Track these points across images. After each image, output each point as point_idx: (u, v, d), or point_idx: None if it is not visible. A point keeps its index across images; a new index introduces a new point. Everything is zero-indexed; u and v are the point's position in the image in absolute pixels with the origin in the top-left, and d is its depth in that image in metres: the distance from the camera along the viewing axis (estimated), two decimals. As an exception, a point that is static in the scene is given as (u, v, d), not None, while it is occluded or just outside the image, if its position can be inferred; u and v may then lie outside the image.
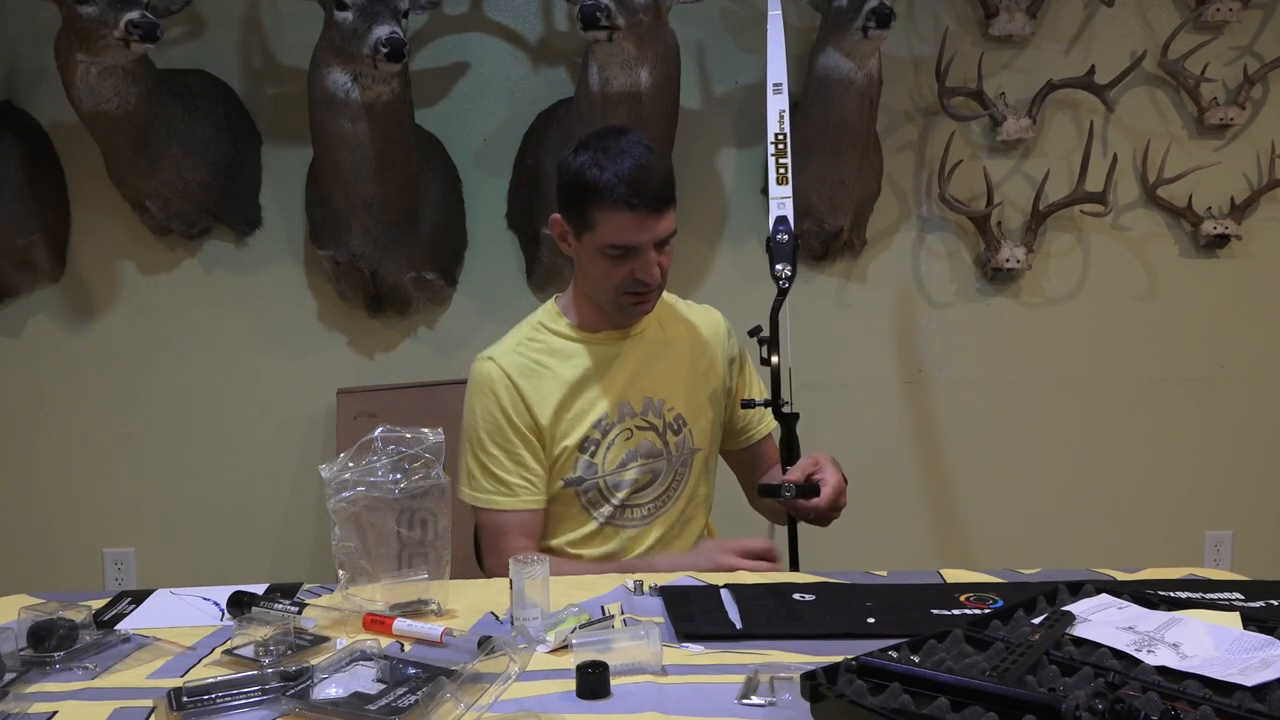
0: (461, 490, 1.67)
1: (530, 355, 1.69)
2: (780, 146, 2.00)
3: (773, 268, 1.85)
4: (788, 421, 1.75)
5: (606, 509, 1.69)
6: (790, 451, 1.72)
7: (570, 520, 1.70)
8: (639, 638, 1.11)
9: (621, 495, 1.69)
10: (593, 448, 1.67)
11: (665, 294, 1.73)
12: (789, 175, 1.97)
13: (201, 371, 2.83)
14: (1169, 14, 2.86)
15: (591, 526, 1.70)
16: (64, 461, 2.84)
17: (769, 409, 1.76)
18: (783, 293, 1.83)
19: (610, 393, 1.68)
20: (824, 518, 1.60)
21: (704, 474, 1.77)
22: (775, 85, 2.05)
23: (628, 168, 1.54)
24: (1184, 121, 2.92)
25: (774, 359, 1.73)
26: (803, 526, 1.75)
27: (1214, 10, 2.77)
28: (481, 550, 1.74)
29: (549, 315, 1.73)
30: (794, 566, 1.81)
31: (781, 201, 1.92)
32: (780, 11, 2.20)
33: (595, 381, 1.68)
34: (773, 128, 2.02)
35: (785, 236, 1.86)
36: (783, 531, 1.83)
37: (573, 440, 1.66)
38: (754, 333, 1.78)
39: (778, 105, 2.03)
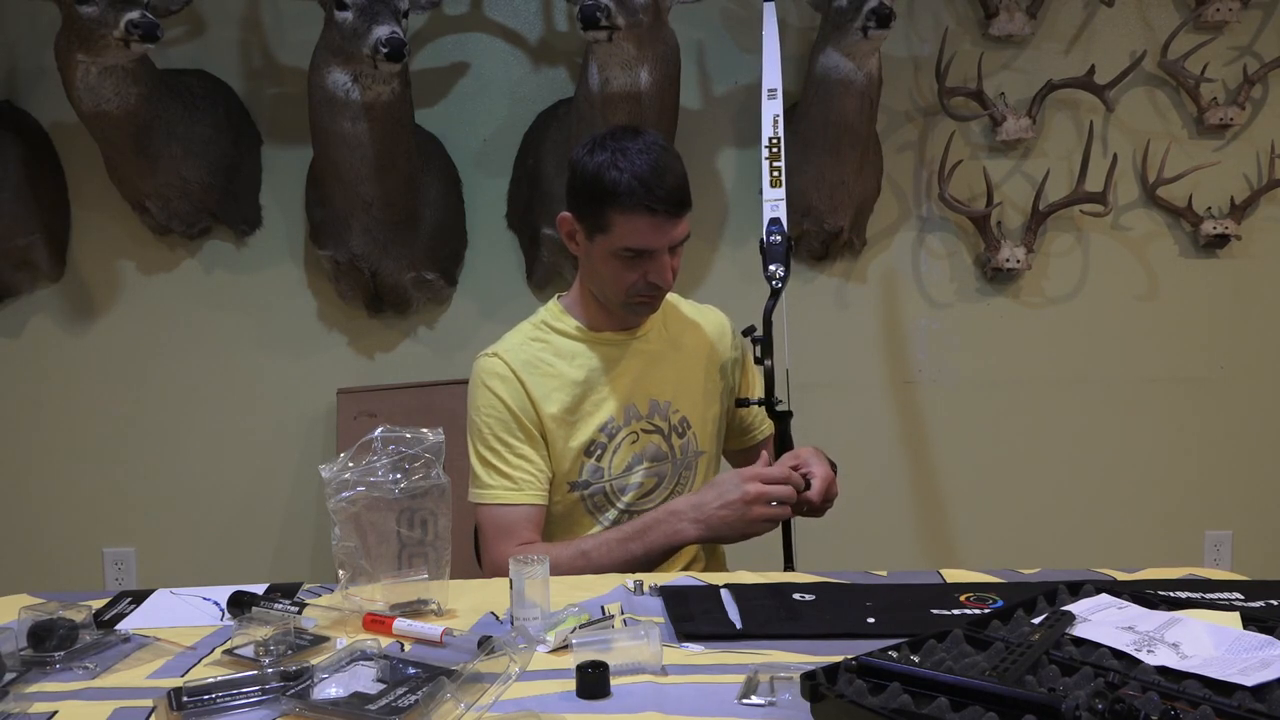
0: (469, 492, 1.65)
1: (534, 352, 1.67)
2: (774, 150, 2.03)
3: (766, 269, 1.87)
4: (781, 420, 1.76)
5: (612, 513, 1.69)
6: (784, 450, 1.73)
7: (575, 525, 1.69)
8: (639, 638, 1.11)
9: (627, 499, 1.69)
10: (599, 451, 1.66)
11: (669, 294, 1.73)
12: (783, 179, 2.00)
13: (201, 371, 2.83)
14: (1169, 14, 2.86)
15: (596, 531, 1.69)
16: (64, 461, 2.84)
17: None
18: (776, 294, 1.84)
19: (616, 395, 1.67)
20: (818, 509, 1.60)
21: (708, 476, 1.76)
22: (770, 90, 2.09)
23: (648, 170, 1.52)
24: (1184, 121, 2.92)
25: (768, 361, 1.74)
26: (798, 526, 1.75)
27: (1214, 10, 2.78)
28: (482, 550, 1.71)
29: (552, 314, 1.72)
30: (789, 566, 1.81)
31: (775, 204, 1.95)
32: (775, 19, 2.22)
33: (600, 383, 1.67)
34: (766, 132, 2.06)
35: (779, 238, 1.89)
36: (778, 532, 1.83)
37: (577, 442, 1.65)
38: (747, 332, 1.79)
39: (772, 110, 2.07)
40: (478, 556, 1.83)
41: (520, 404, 1.63)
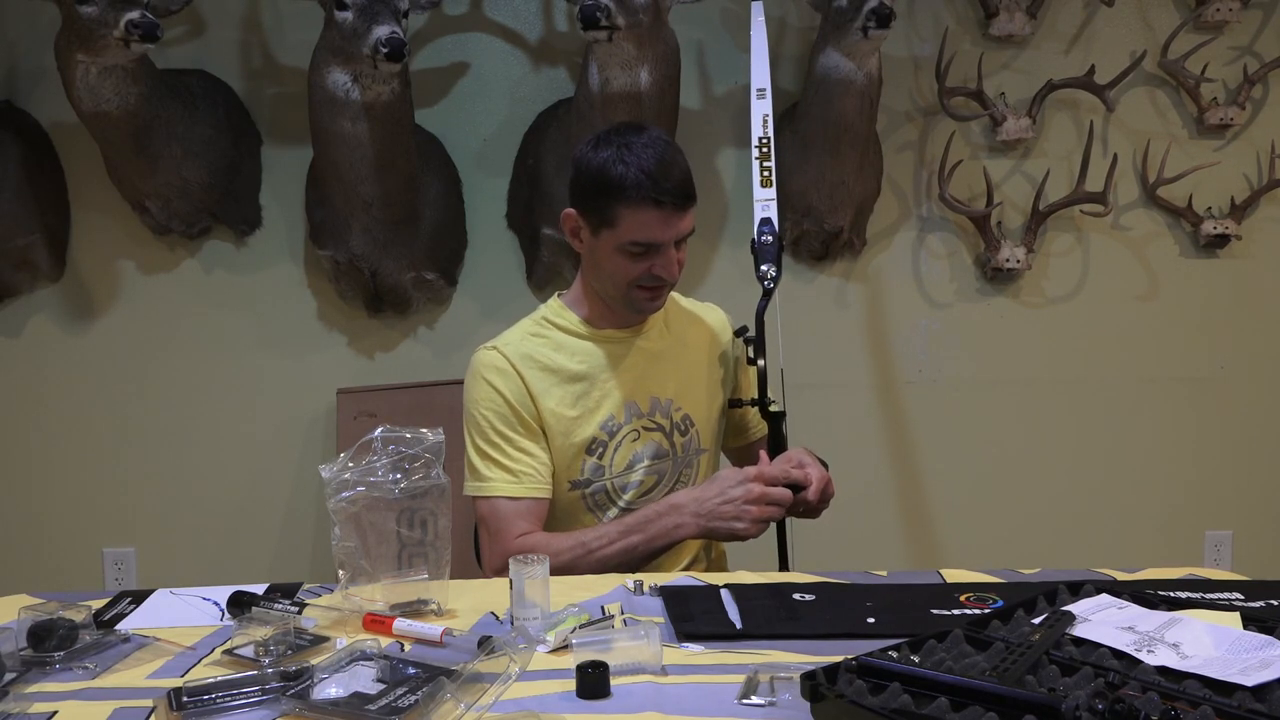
0: (466, 485, 1.64)
1: (534, 347, 1.66)
2: (764, 150, 2.04)
3: (758, 269, 1.87)
4: (774, 420, 1.76)
5: (613, 511, 1.68)
6: (777, 450, 1.72)
7: (576, 523, 1.68)
8: (639, 638, 1.11)
9: (628, 497, 1.68)
10: (600, 449, 1.66)
11: (671, 293, 1.73)
12: (773, 179, 2.01)
13: (201, 371, 2.83)
14: (1169, 14, 2.86)
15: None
16: (64, 461, 2.84)
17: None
18: (768, 293, 1.85)
19: (617, 393, 1.67)
20: (815, 510, 1.60)
21: (709, 474, 1.76)
22: (759, 90, 2.10)
23: (654, 164, 1.52)
24: (1184, 121, 2.92)
25: (760, 361, 1.75)
26: (796, 525, 1.75)
27: (1214, 10, 2.78)
28: (482, 544, 1.69)
29: (553, 310, 1.71)
30: (785, 566, 1.81)
31: (765, 204, 1.95)
32: (764, 19, 2.23)
33: (602, 380, 1.66)
34: (756, 132, 2.07)
35: (770, 238, 1.90)
36: (774, 532, 1.82)
37: (578, 439, 1.64)
38: (740, 332, 1.79)
39: (761, 110, 2.08)
40: (478, 557, 1.83)
41: (519, 398, 1.62)
